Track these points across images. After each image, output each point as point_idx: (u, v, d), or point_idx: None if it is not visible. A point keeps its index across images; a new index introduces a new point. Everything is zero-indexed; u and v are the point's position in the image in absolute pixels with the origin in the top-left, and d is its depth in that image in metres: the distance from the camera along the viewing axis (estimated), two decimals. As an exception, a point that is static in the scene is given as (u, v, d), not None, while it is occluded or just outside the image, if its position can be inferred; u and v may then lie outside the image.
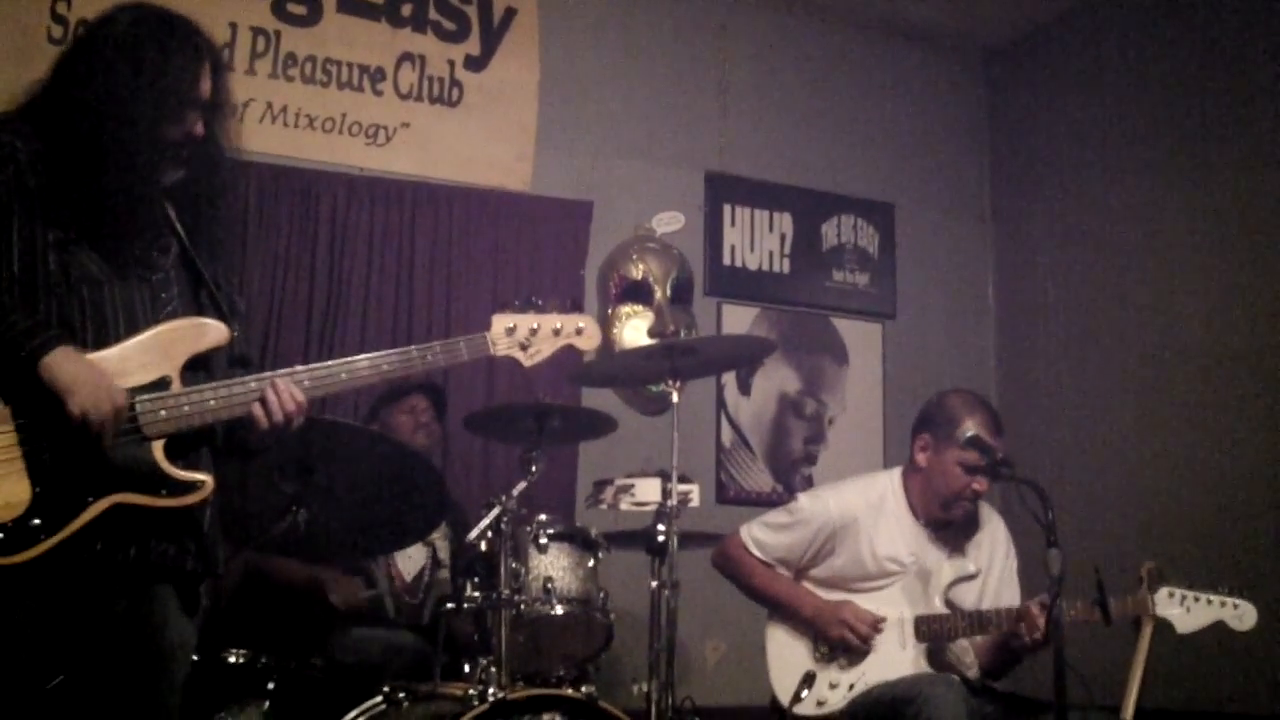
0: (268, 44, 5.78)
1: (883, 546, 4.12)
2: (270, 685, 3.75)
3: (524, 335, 3.15)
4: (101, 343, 2.67)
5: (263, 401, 2.79)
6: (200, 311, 2.87)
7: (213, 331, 2.83)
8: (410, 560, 4.90)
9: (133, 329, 2.72)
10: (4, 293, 2.59)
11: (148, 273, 2.80)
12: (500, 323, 3.14)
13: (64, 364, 2.55)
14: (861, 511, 4.16)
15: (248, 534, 4.16)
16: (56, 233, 2.67)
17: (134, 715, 2.70)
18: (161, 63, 2.79)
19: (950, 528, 4.16)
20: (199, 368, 2.79)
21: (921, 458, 4.15)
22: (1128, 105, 6.45)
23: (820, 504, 4.24)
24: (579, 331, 3.24)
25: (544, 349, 3.18)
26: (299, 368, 2.88)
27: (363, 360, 2.94)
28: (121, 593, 2.69)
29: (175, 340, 2.76)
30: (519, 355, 3.15)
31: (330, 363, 2.93)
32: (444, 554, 4.96)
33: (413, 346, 3.01)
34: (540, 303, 3.21)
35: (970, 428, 4.02)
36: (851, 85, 7.07)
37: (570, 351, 3.25)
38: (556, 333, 3.20)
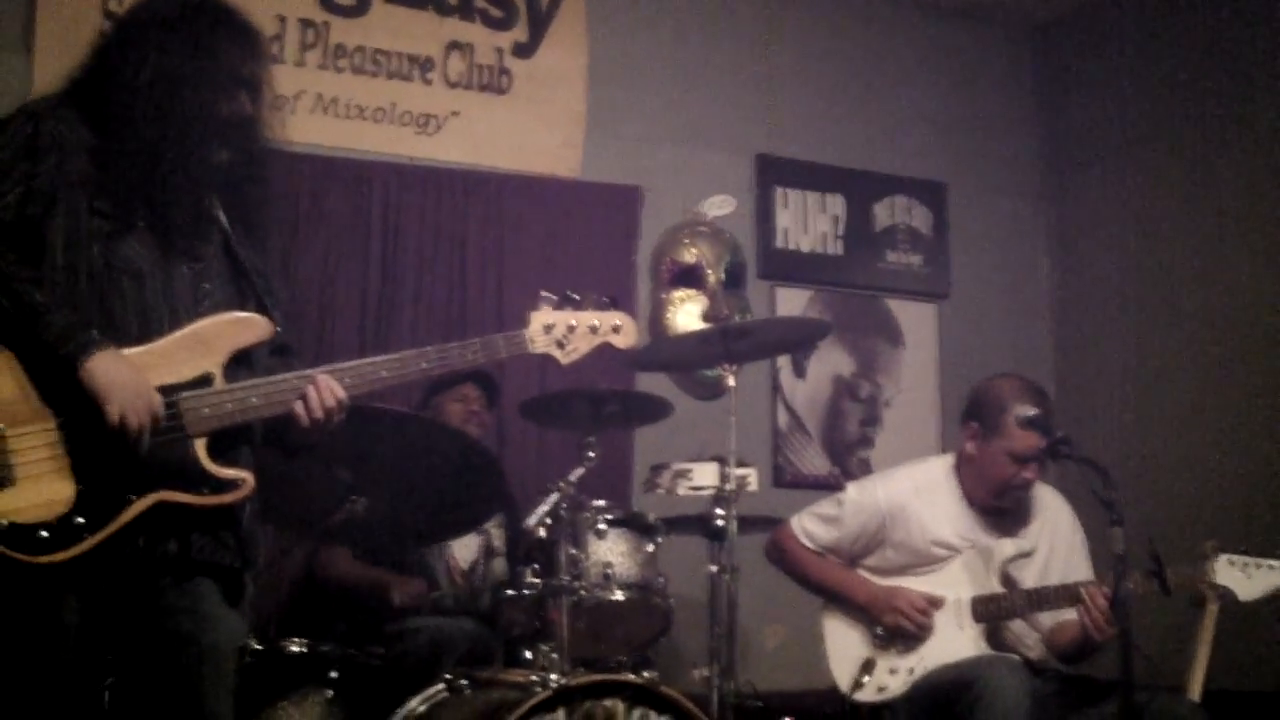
0: (317, 36, 5.80)
1: (934, 531, 4.09)
2: (332, 674, 3.76)
3: (561, 333, 3.13)
4: (145, 335, 2.68)
5: (304, 399, 2.79)
6: (241, 300, 2.87)
7: (256, 326, 2.83)
8: (466, 548, 4.91)
9: (175, 320, 2.72)
10: (46, 288, 2.60)
11: (191, 262, 2.80)
12: (538, 320, 3.13)
13: (102, 368, 2.56)
14: (911, 498, 4.13)
15: (307, 523, 4.19)
16: (101, 222, 2.68)
17: (183, 710, 2.71)
18: (210, 40, 2.79)
19: (1006, 515, 4.12)
20: (241, 361, 2.79)
21: (970, 446, 4.10)
22: (1180, 78, 6.37)
23: (869, 494, 4.22)
24: (616, 329, 3.22)
25: (581, 346, 3.16)
26: (340, 364, 2.87)
27: (403, 357, 2.94)
28: (167, 588, 2.70)
29: (218, 335, 2.76)
30: (556, 353, 3.14)
31: (371, 360, 2.93)
32: (499, 542, 4.96)
33: (453, 344, 3.01)
34: (577, 298, 3.20)
35: (1019, 415, 3.98)
36: (901, 64, 7.01)
37: (607, 349, 3.24)
38: (594, 330, 3.18)
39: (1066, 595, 3.88)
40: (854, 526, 4.16)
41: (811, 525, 4.24)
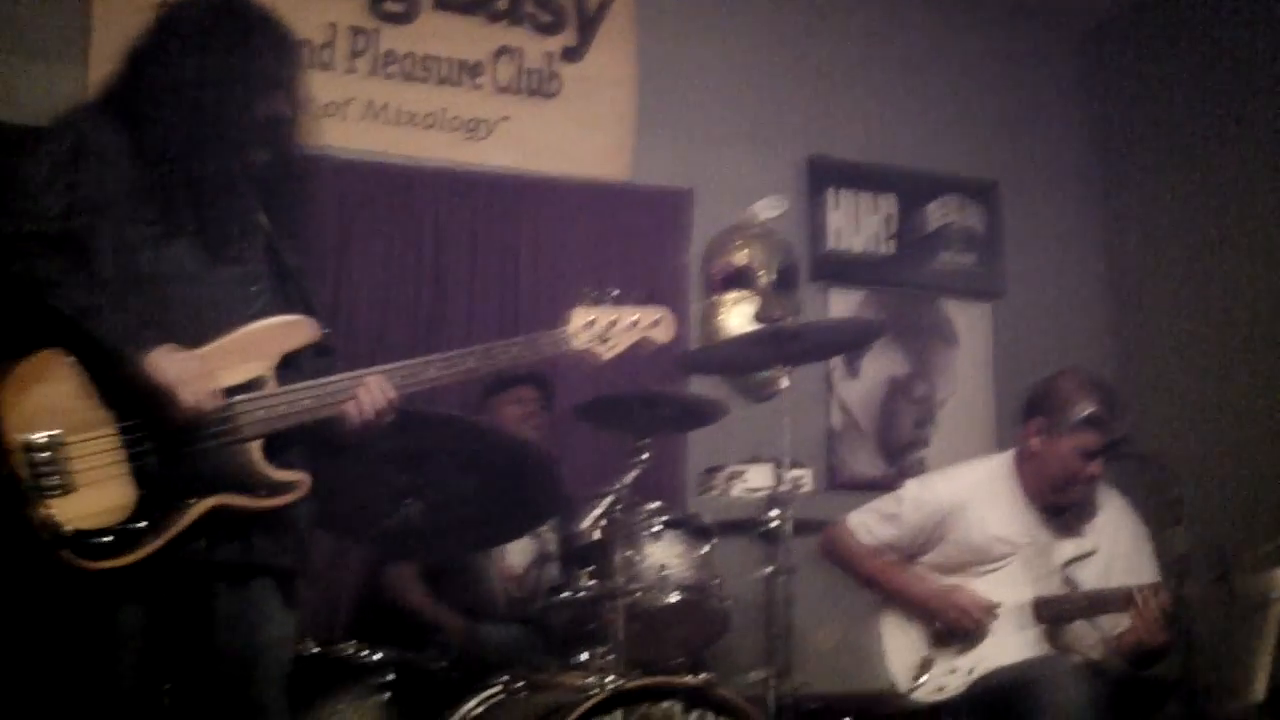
0: (366, 42, 5.82)
1: (994, 528, 4.06)
2: (389, 677, 3.77)
3: (602, 329, 3.16)
4: (196, 339, 2.69)
5: (355, 399, 2.81)
6: (288, 304, 2.89)
7: (305, 329, 2.86)
8: (520, 553, 4.91)
9: (224, 324, 2.74)
10: (98, 293, 2.61)
11: (236, 266, 2.82)
12: (579, 317, 3.15)
13: (166, 361, 2.58)
14: (971, 496, 4.11)
15: (361, 527, 4.20)
16: (146, 228, 2.70)
17: (243, 709, 2.73)
18: (245, 43, 2.81)
19: (1067, 514, 4.09)
20: (289, 363, 2.81)
21: (1035, 443, 4.07)
22: (1234, 73, 6.29)
23: (929, 491, 4.20)
24: (655, 323, 3.24)
25: (622, 341, 3.19)
26: (388, 365, 2.89)
27: (449, 356, 2.96)
28: (224, 590, 2.72)
29: (269, 338, 2.79)
30: (598, 349, 3.16)
31: (418, 360, 2.95)
32: (552, 546, 4.96)
33: (497, 342, 3.03)
34: (616, 294, 3.22)
35: (1086, 410, 3.93)
36: (951, 63, 6.96)
37: (646, 343, 3.24)
38: (634, 325, 3.20)
39: (1124, 598, 3.83)
40: (914, 523, 4.14)
41: (871, 521, 4.23)
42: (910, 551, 4.17)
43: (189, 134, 2.74)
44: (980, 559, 4.05)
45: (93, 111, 2.81)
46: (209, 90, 2.76)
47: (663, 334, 3.26)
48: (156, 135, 2.74)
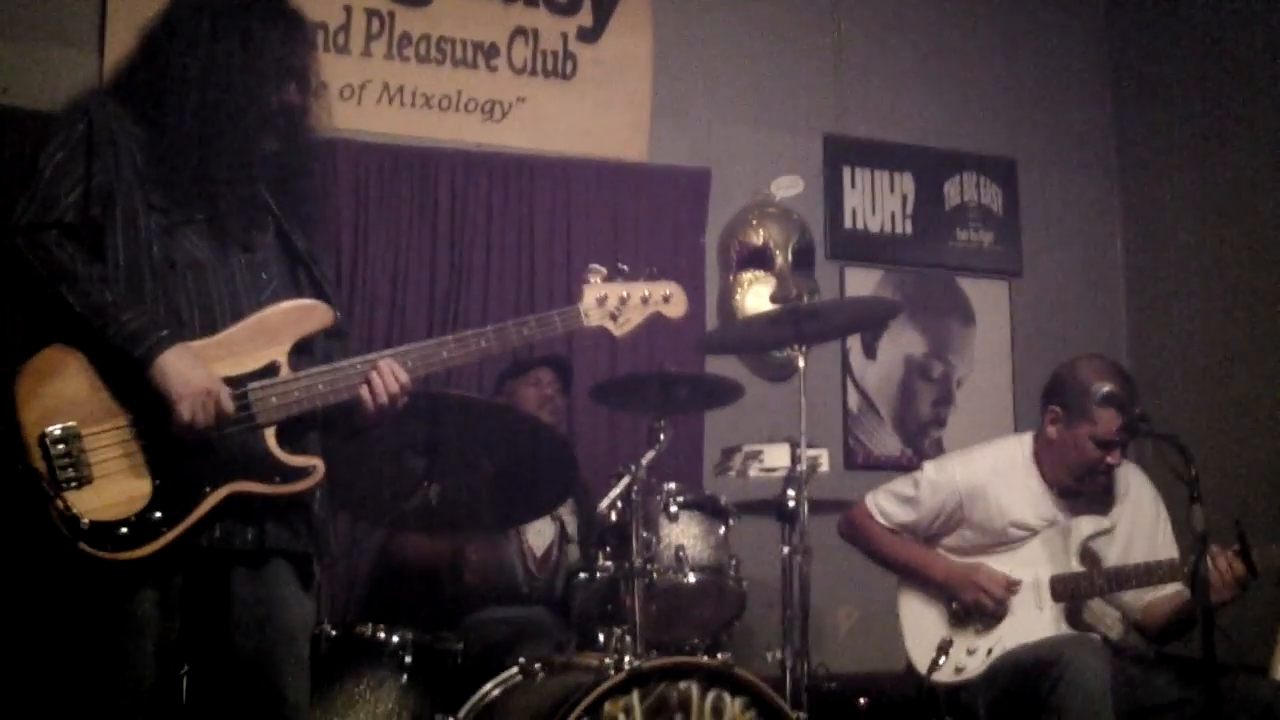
0: (382, 25, 5.82)
1: (1012, 512, 4.05)
2: (408, 659, 3.78)
3: (614, 305, 3.15)
4: (208, 328, 2.70)
5: (368, 384, 2.81)
6: (299, 289, 2.90)
7: (318, 313, 2.86)
8: (540, 535, 4.93)
9: (236, 311, 2.75)
10: (114, 286, 2.62)
11: (248, 253, 2.82)
12: (591, 293, 3.14)
13: (172, 368, 2.58)
14: (989, 478, 4.10)
15: (380, 511, 4.22)
16: (158, 217, 2.70)
17: (264, 693, 2.74)
18: (258, 29, 2.81)
19: (1084, 495, 4.07)
20: (302, 348, 2.82)
21: (1053, 430, 4.05)
22: (1256, 51, 6.25)
23: (946, 473, 4.19)
24: (666, 299, 3.23)
25: (633, 318, 3.18)
26: (401, 347, 2.89)
27: (462, 337, 2.96)
28: (240, 575, 2.73)
29: (282, 324, 2.79)
30: (610, 325, 3.16)
31: (430, 341, 2.95)
32: (572, 528, 4.97)
33: (509, 321, 3.02)
34: (627, 269, 3.21)
35: (1103, 390, 3.92)
36: (968, 39, 6.92)
37: (659, 319, 3.24)
38: (645, 301, 3.19)
39: (1149, 574, 3.82)
40: (931, 506, 4.13)
41: (888, 504, 4.22)
42: (928, 534, 4.16)
43: (198, 123, 2.73)
44: (998, 541, 4.04)
45: (105, 98, 2.80)
46: (221, 78, 2.76)
47: (674, 309, 3.25)
48: (168, 123, 2.73)
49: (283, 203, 2.91)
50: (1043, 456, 4.10)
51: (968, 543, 4.10)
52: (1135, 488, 4.15)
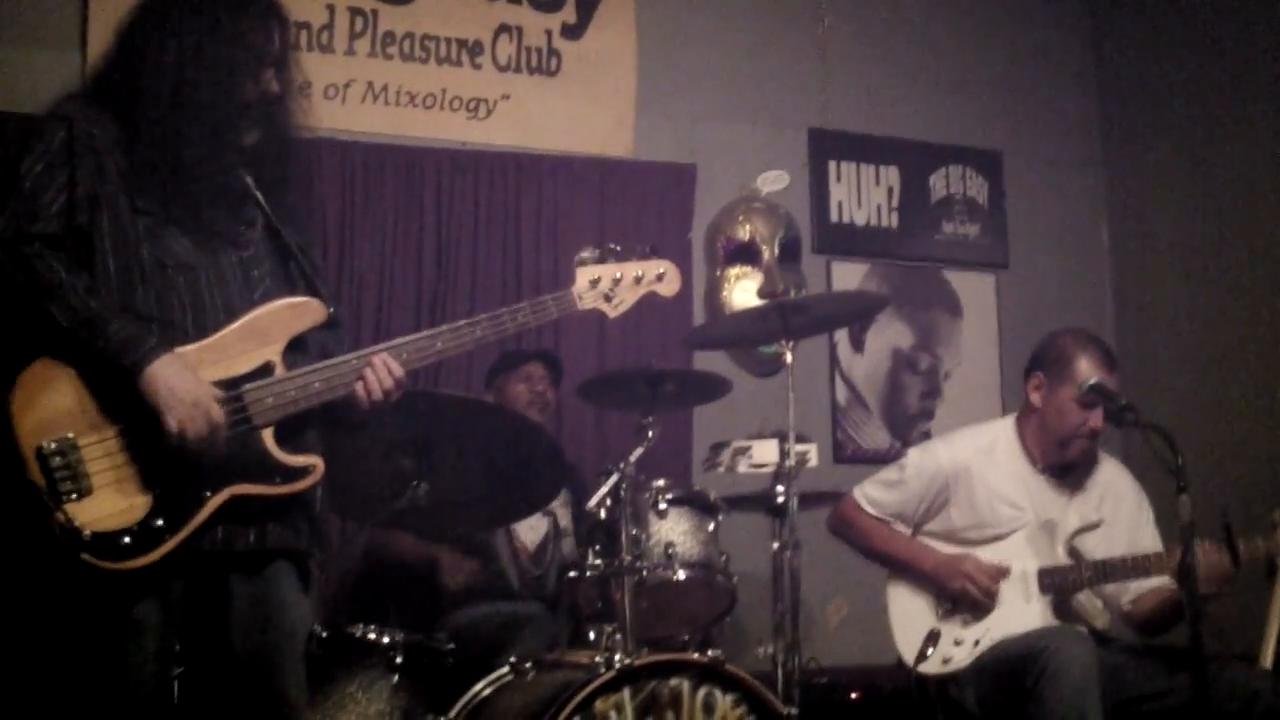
0: (365, 24, 5.81)
1: (997, 492, 4.08)
2: (399, 659, 3.78)
3: (607, 286, 3.13)
4: (201, 329, 2.69)
5: (363, 380, 2.79)
6: (291, 284, 2.88)
7: (311, 311, 2.84)
8: (533, 531, 4.92)
9: (229, 311, 2.73)
10: (102, 296, 2.60)
11: (237, 250, 2.80)
12: (584, 275, 3.12)
13: (161, 379, 2.56)
14: (973, 459, 4.13)
15: (370, 510, 4.21)
16: (145, 219, 2.67)
17: (264, 693, 2.74)
18: (234, 20, 2.77)
19: (1069, 475, 4.10)
20: (297, 345, 2.80)
21: (1036, 397, 4.10)
22: (1241, 38, 6.26)
23: (930, 456, 4.22)
24: (660, 277, 3.21)
25: (627, 298, 3.17)
26: (394, 341, 2.88)
27: (456, 327, 2.95)
28: (241, 577, 2.73)
29: (275, 323, 2.77)
30: (604, 307, 3.14)
31: (424, 333, 2.93)
32: (565, 522, 4.97)
33: (503, 309, 3.00)
34: (619, 249, 3.18)
35: (1084, 366, 3.98)
36: (953, 32, 6.93)
37: (653, 298, 3.22)
38: (638, 280, 3.18)
39: (1135, 566, 3.85)
40: (917, 489, 4.15)
41: (874, 492, 4.24)
42: (916, 519, 4.18)
43: (177, 120, 2.70)
44: (984, 524, 4.06)
45: (84, 103, 2.77)
46: (194, 71, 2.72)
47: (668, 287, 3.23)
48: (144, 120, 2.70)
49: (271, 195, 2.87)
50: (1026, 433, 4.14)
51: (954, 525, 4.11)
52: (1117, 480, 4.19)
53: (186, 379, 2.60)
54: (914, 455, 4.28)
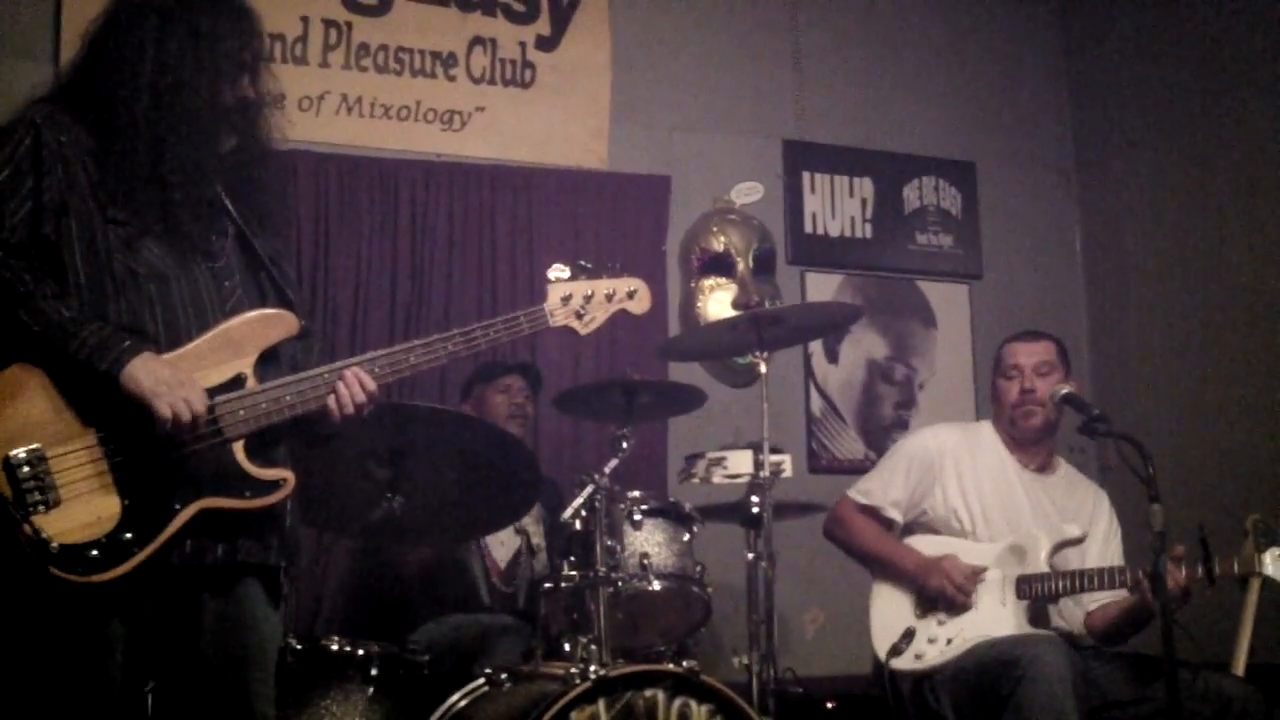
0: (340, 36, 5.80)
1: (983, 462, 4.21)
2: (374, 671, 3.77)
3: (579, 303, 3.11)
4: (174, 341, 2.66)
5: (335, 394, 2.77)
6: (262, 295, 2.84)
7: (283, 323, 2.81)
8: (504, 547, 4.92)
9: (201, 322, 2.70)
10: (72, 302, 2.57)
11: (210, 261, 2.77)
12: (556, 292, 3.10)
13: (143, 370, 2.54)
14: (959, 444, 4.27)
15: (345, 522, 4.20)
16: (116, 229, 2.64)
17: (232, 709, 2.72)
18: (207, 24, 2.74)
19: (1038, 449, 4.23)
20: (269, 357, 2.78)
21: (992, 392, 4.35)
22: (1213, 46, 6.30)
23: (917, 437, 4.42)
24: (631, 295, 3.20)
25: (598, 316, 3.14)
26: (367, 355, 2.86)
27: (429, 341, 2.93)
28: (210, 592, 2.70)
29: (247, 335, 2.74)
30: (576, 325, 3.12)
31: (396, 347, 2.90)
32: (537, 538, 4.96)
33: (475, 324, 2.99)
34: (590, 266, 3.18)
35: (1006, 349, 4.28)
36: (926, 43, 6.96)
37: (624, 316, 3.21)
38: (609, 298, 3.16)
39: (1108, 578, 3.88)
40: (903, 467, 4.26)
41: (865, 482, 4.33)
42: (906, 505, 4.21)
43: (152, 129, 2.67)
44: (969, 512, 4.11)
45: (50, 107, 2.72)
46: (172, 78, 2.69)
47: (639, 305, 3.21)
48: (120, 129, 2.67)
49: (241, 203, 2.84)
50: (998, 426, 4.30)
51: (940, 516, 4.16)
52: (1094, 496, 4.34)
53: (168, 367, 2.58)
54: (901, 440, 4.52)
